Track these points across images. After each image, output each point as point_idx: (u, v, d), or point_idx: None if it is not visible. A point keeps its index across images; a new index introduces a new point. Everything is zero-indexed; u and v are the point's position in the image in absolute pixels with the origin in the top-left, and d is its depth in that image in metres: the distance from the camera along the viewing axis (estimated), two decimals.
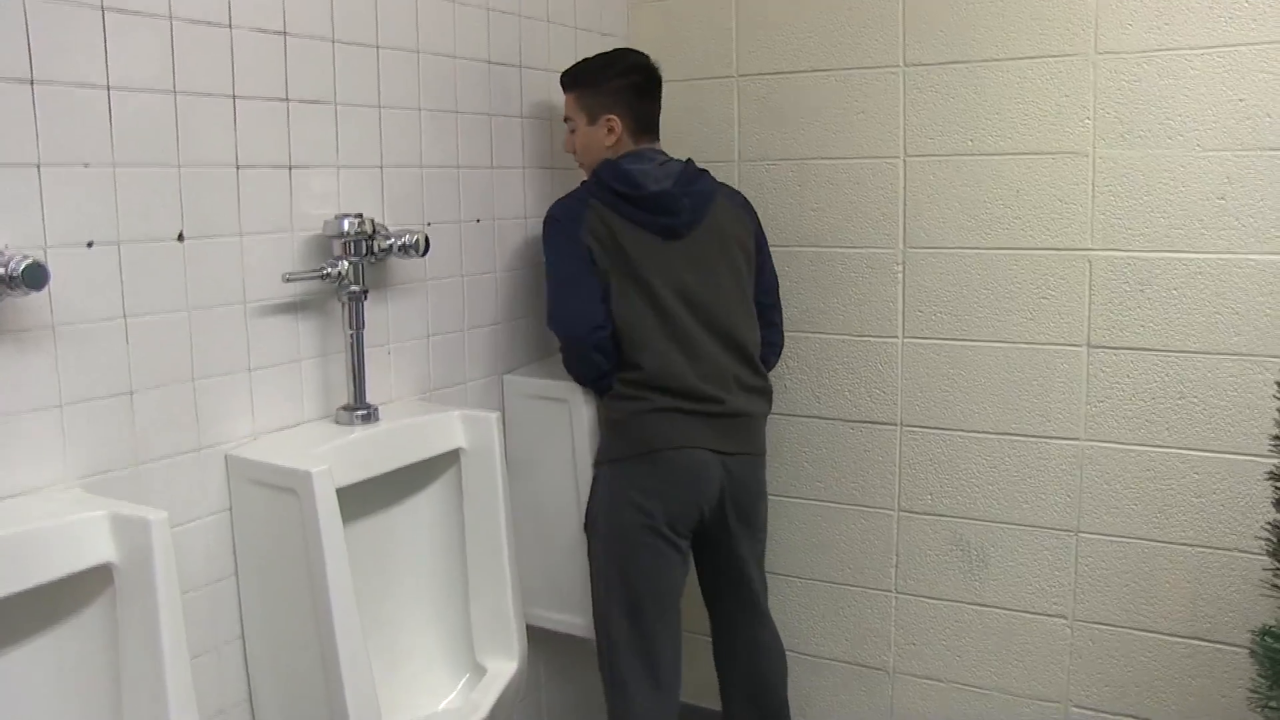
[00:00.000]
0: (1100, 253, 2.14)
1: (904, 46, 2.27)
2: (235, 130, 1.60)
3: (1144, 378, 2.13)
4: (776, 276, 2.28)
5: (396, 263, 1.91)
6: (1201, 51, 2.01)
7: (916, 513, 2.39)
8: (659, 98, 2.18)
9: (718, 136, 2.48)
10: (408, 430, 1.83)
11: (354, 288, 1.75)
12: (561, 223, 2.09)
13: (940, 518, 2.36)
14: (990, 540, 2.32)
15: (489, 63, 2.15)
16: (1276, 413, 1.59)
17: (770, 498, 2.24)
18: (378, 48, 1.86)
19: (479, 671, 1.92)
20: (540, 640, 2.21)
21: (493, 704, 1.83)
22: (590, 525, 2.11)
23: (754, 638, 2.21)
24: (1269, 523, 1.57)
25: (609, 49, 2.23)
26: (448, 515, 1.94)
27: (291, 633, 1.60)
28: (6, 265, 1.24)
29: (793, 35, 2.38)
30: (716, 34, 2.47)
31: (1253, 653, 1.51)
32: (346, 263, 1.73)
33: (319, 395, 1.78)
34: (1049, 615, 2.27)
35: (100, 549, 1.29)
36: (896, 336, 2.36)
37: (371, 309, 1.81)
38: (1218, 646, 2.11)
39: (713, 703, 2.31)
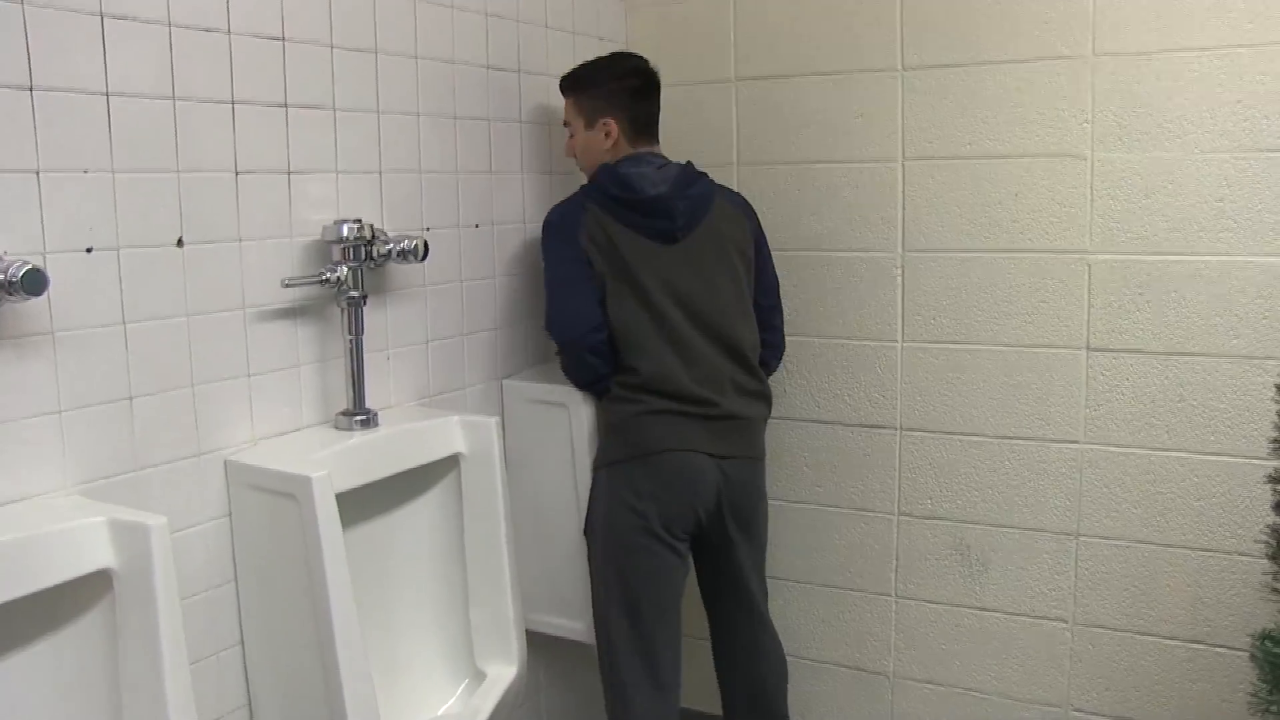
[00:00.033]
0: (1099, 256, 2.14)
1: (902, 50, 2.27)
2: (234, 136, 1.60)
3: (1143, 380, 2.13)
4: (777, 278, 2.28)
5: (395, 268, 1.91)
6: (1199, 53, 2.01)
7: (916, 517, 2.39)
8: (657, 101, 2.19)
9: (716, 140, 2.48)
10: (407, 435, 1.84)
11: (353, 293, 1.75)
12: (559, 227, 2.10)
13: (940, 521, 2.36)
14: (990, 544, 2.31)
15: (487, 68, 2.15)
16: (1276, 415, 1.59)
17: (770, 502, 2.24)
18: (376, 53, 1.86)
19: (478, 676, 1.92)
20: (540, 645, 2.21)
21: (492, 709, 1.84)
22: (589, 528, 2.11)
23: (754, 642, 2.21)
24: (1269, 526, 1.57)
25: (607, 53, 2.24)
26: (447, 520, 1.94)
27: (291, 638, 1.60)
28: (6, 271, 1.24)
29: (791, 39, 2.39)
30: (715, 37, 2.47)
31: (1253, 657, 1.50)
32: (345, 268, 1.73)
33: (318, 400, 1.79)
34: (1049, 619, 2.27)
35: (100, 555, 1.29)
36: (896, 340, 2.36)
37: (370, 314, 1.81)
38: (1218, 650, 2.11)
39: (713, 707, 2.31)
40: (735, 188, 2.39)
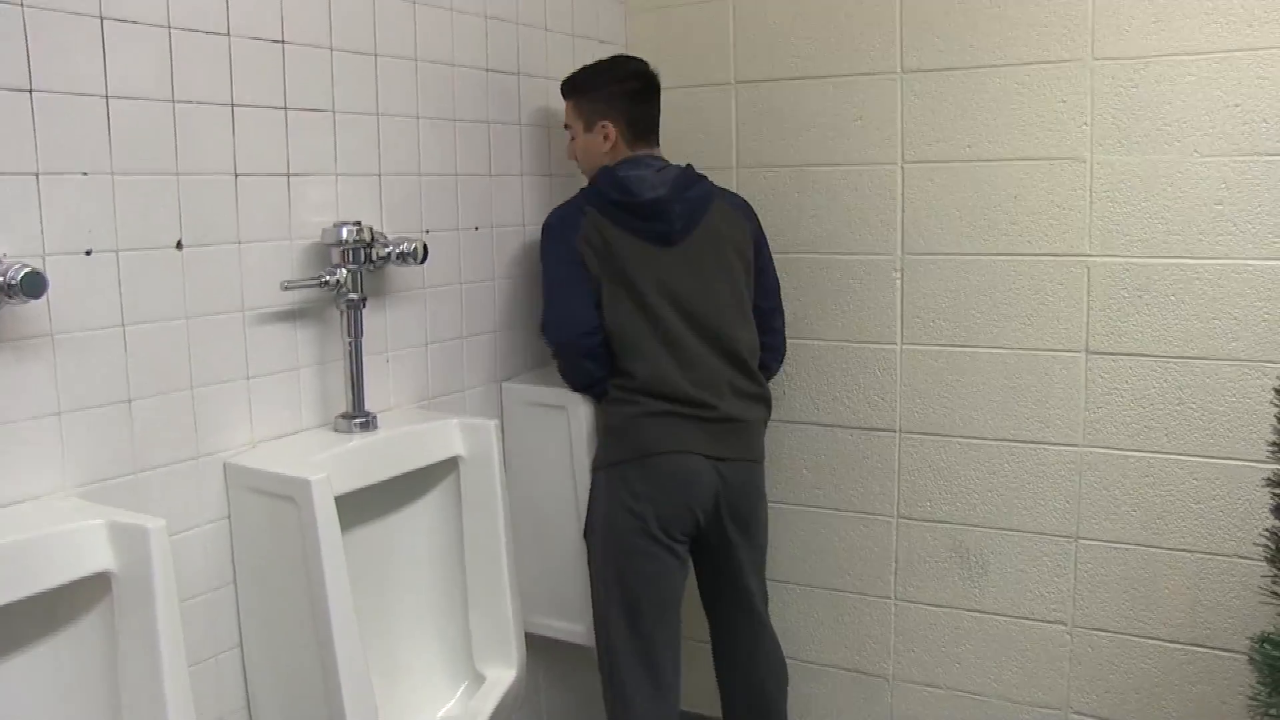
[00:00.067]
0: (1098, 258, 2.14)
1: (901, 53, 2.27)
2: (233, 138, 1.60)
3: (1142, 383, 2.13)
4: (778, 280, 2.28)
5: (395, 270, 1.91)
6: (1198, 57, 2.01)
7: (916, 519, 2.39)
8: (657, 104, 2.19)
9: (716, 143, 2.49)
10: (406, 438, 1.83)
11: (352, 295, 1.75)
12: (557, 229, 2.10)
13: (939, 524, 2.36)
14: (989, 546, 2.31)
15: (487, 70, 2.15)
16: (1275, 418, 1.59)
17: (769, 504, 2.24)
18: (376, 56, 1.86)
19: (478, 679, 1.92)
20: (539, 647, 2.21)
21: (491, 711, 1.83)
22: (588, 530, 2.11)
23: (754, 645, 2.21)
24: (1268, 529, 1.57)
25: (608, 56, 2.24)
26: (446, 523, 1.94)
27: (290, 640, 1.60)
28: (5, 273, 1.24)
29: (790, 42, 2.39)
30: (714, 40, 2.47)
31: (1251, 659, 1.50)
32: (345, 271, 1.73)
33: (317, 403, 1.79)
34: (1048, 621, 2.27)
35: (99, 557, 1.29)
36: (895, 343, 2.36)
37: (370, 317, 1.81)
38: (1217, 653, 2.11)
39: (713, 710, 2.31)
40: (735, 190, 2.39)
